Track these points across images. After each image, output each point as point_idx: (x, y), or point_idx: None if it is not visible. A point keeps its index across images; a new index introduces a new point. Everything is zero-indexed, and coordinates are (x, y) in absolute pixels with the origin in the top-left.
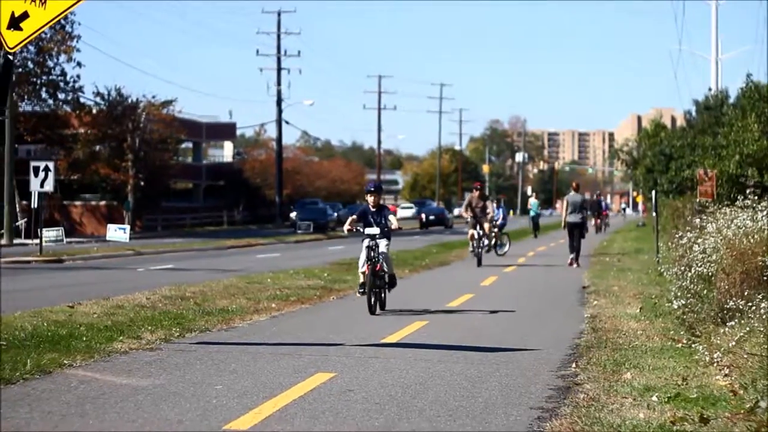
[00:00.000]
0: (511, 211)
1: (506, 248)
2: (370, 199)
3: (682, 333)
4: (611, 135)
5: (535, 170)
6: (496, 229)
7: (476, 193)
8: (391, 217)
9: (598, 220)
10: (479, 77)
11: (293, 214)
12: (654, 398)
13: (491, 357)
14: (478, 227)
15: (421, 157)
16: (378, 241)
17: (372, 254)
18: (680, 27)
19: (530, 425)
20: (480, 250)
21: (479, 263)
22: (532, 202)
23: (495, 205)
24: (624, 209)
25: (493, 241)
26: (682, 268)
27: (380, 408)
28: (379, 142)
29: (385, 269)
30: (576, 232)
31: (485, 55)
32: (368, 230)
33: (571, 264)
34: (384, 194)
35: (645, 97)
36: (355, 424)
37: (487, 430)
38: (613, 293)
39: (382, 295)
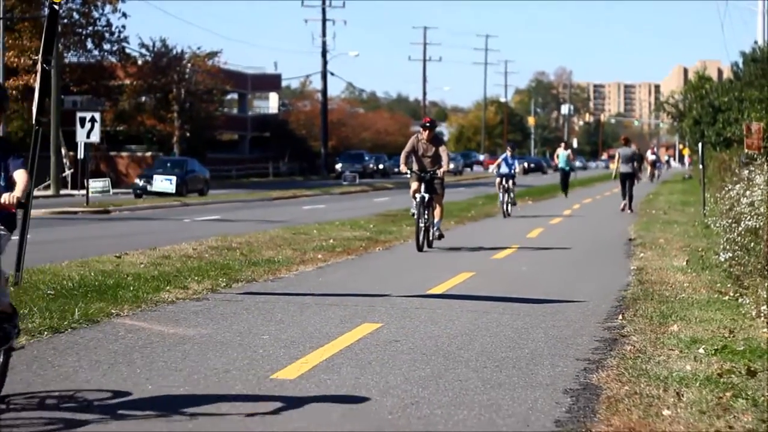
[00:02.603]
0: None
1: (515, 204)
2: None
3: (728, 285)
4: (657, 87)
5: (581, 122)
6: (511, 184)
7: (425, 134)
8: (18, 176)
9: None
10: (525, 29)
11: (338, 166)
12: (701, 350)
13: (537, 308)
14: (423, 187)
15: (467, 109)
16: None
17: None
18: None
19: (576, 376)
20: (422, 224)
21: (419, 246)
22: (561, 153)
23: (508, 153)
24: (668, 161)
25: (511, 196)
26: (730, 220)
27: (426, 358)
28: (425, 93)
29: None
30: (627, 181)
31: (531, 6)
32: None
33: (623, 209)
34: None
35: (691, 49)
36: (402, 374)
37: (533, 380)
38: (660, 246)
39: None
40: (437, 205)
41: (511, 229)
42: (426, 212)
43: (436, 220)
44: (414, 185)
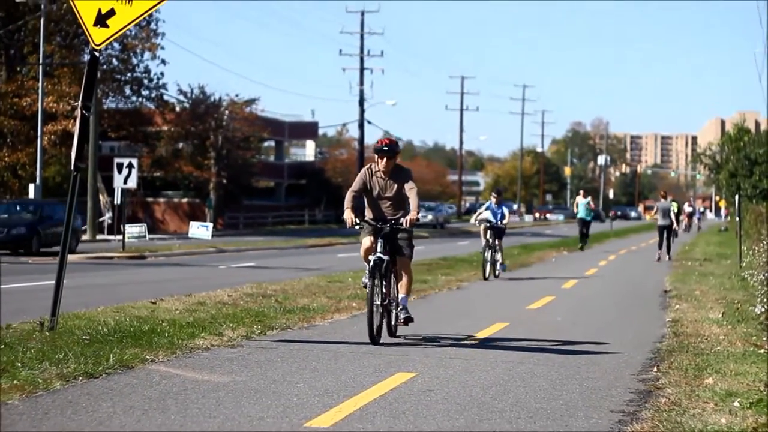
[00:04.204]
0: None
1: (504, 269)
2: None
3: (765, 339)
4: (694, 138)
5: (617, 173)
6: (497, 241)
7: (382, 164)
8: None
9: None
10: (562, 79)
11: None
12: (736, 404)
13: (572, 359)
14: (379, 245)
15: (503, 158)
16: None
17: None
18: (765, 29)
19: (611, 428)
20: (379, 301)
21: (372, 335)
22: (580, 201)
23: (493, 201)
24: (703, 212)
25: (496, 255)
26: (767, 273)
27: (461, 409)
28: (461, 142)
29: None
30: (665, 232)
31: (568, 56)
32: None
33: (659, 259)
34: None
35: (729, 101)
36: (436, 424)
37: None
38: (695, 297)
39: None
40: (403, 273)
41: (545, 280)
42: (384, 283)
43: (401, 295)
44: (366, 242)
